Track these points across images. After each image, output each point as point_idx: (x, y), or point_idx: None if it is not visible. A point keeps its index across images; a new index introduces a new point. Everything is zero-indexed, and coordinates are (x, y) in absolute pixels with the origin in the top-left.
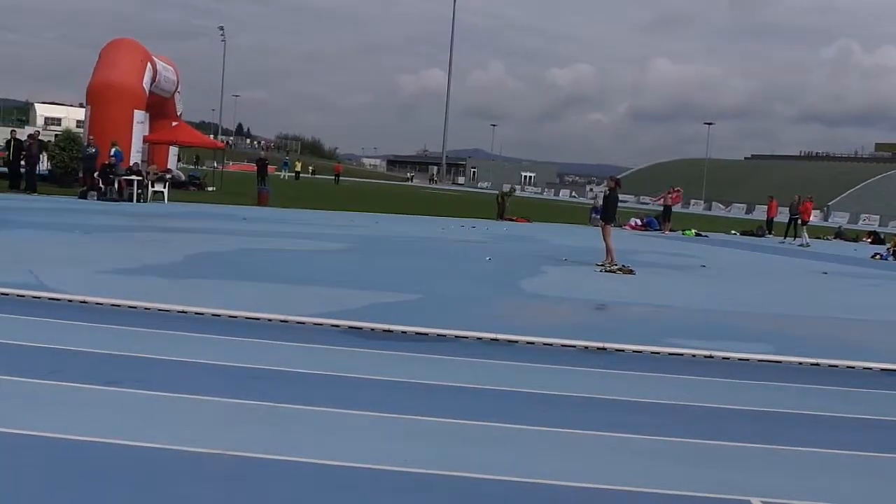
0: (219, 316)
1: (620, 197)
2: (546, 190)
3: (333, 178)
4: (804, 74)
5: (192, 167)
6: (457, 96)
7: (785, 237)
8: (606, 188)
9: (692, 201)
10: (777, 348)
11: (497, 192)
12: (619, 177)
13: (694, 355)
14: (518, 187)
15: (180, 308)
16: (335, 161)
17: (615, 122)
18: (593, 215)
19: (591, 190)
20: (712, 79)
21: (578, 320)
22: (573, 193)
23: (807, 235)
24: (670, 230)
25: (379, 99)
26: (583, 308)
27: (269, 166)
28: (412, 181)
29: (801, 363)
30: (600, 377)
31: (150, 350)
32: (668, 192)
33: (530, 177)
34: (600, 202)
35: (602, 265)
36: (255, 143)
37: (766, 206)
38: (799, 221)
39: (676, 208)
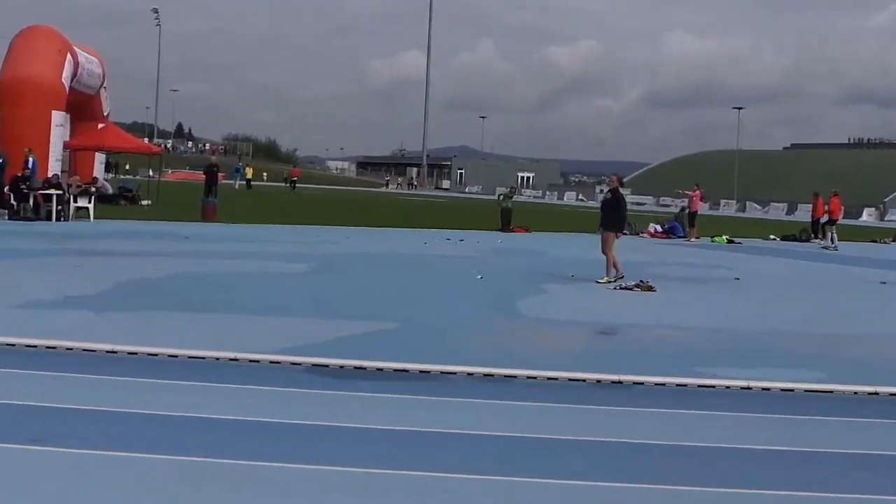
0: (156, 356)
1: (637, 199)
2: (548, 193)
3: (289, 184)
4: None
5: (122, 177)
6: (438, 84)
7: (814, 237)
8: (607, 189)
9: (722, 202)
10: (828, 375)
11: (498, 196)
12: (624, 177)
13: (728, 387)
14: (514, 190)
15: (109, 347)
16: (293, 165)
17: (628, 110)
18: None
19: (602, 191)
20: (742, 54)
21: (589, 348)
22: (580, 196)
23: (835, 236)
24: (697, 237)
25: (346, 89)
26: (594, 333)
27: (219, 174)
28: (388, 187)
29: (856, 392)
30: (616, 416)
31: (74, 399)
32: (692, 192)
33: (528, 178)
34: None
35: (610, 280)
36: (199, 146)
37: (810, 205)
38: (825, 220)
39: (701, 210)
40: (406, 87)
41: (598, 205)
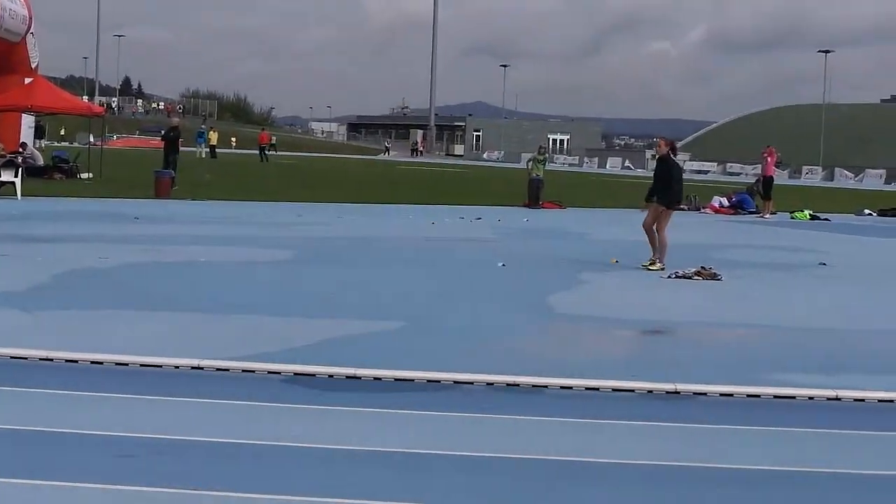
0: (100, 364)
1: (698, 166)
2: (586, 160)
3: (258, 151)
4: None
5: (56, 145)
6: (449, 26)
7: None
8: (655, 155)
9: (805, 168)
10: None
11: (527, 163)
12: (678, 141)
13: (811, 397)
14: (545, 151)
15: (44, 354)
16: (266, 128)
17: (687, 55)
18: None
19: (654, 157)
20: None
21: (637, 352)
22: (627, 163)
23: None
24: (773, 211)
25: (333, 34)
26: (643, 333)
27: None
28: (388, 154)
29: None
30: (674, 435)
31: (2, 417)
32: (763, 155)
33: (562, 141)
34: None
35: (663, 265)
36: (152, 105)
37: None
38: None
39: (777, 179)
40: (409, 29)
41: (650, 173)
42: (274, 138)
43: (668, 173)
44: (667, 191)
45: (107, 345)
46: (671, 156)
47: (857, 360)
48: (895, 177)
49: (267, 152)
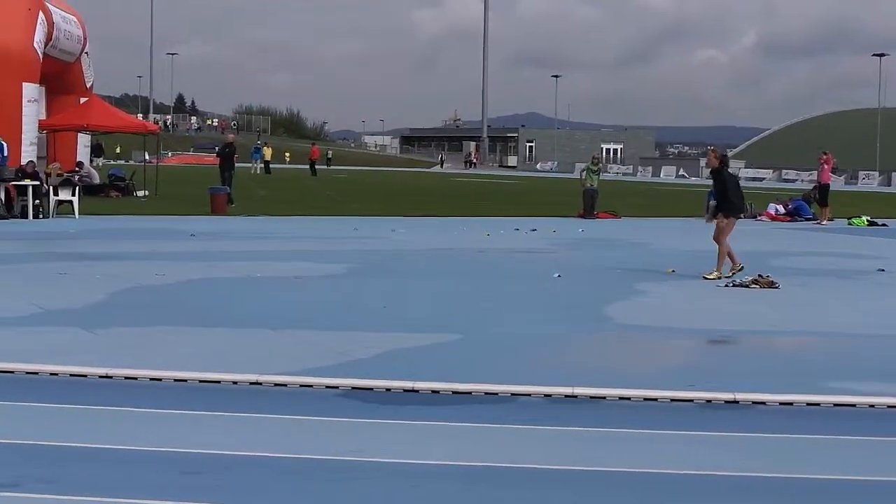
0: (160, 380)
1: (752, 173)
2: (640, 169)
3: (308, 166)
4: None
5: (112, 163)
6: (499, 37)
7: None
8: (707, 167)
9: (861, 174)
10: None
11: (581, 173)
12: (729, 150)
13: (873, 405)
14: (598, 161)
15: (103, 371)
16: (320, 142)
17: (738, 62)
18: (710, 202)
19: (707, 168)
20: None
21: (695, 361)
22: (681, 172)
23: None
24: (829, 219)
25: (384, 47)
26: (702, 342)
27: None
28: (443, 167)
29: None
30: (734, 445)
31: (59, 435)
32: (820, 161)
33: (615, 150)
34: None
35: (721, 275)
36: (205, 121)
37: None
38: None
39: (834, 185)
40: (459, 42)
41: (705, 181)
42: (330, 153)
43: (723, 185)
44: (724, 201)
45: (165, 361)
46: (724, 167)
47: None
48: None
49: (317, 166)
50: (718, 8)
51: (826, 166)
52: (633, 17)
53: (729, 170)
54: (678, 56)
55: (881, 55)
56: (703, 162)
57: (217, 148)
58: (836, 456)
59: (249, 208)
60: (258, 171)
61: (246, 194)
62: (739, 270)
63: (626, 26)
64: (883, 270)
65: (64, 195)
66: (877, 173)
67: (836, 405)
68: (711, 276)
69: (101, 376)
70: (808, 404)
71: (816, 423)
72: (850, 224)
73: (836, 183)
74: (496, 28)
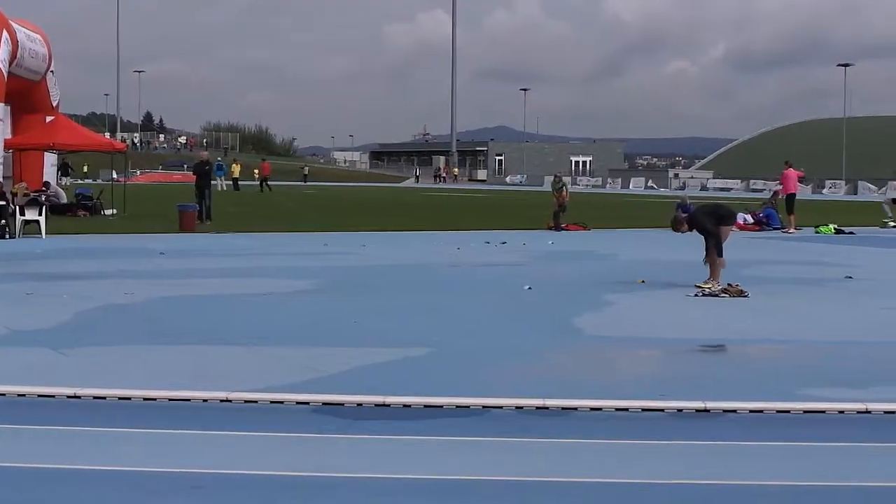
0: (129, 399)
1: (721, 183)
2: (610, 181)
3: (260, 184)
4: None
5: (80, 182)
6: (468, 51)
7: None
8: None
9: (828, 182)
10: None
11: (552, 184)
12: (687, 201)
13: (842, 411)
14: (567, 179)
15: (72, 391)
16: (289, 158)
17: (707, 73)
18: (679, 214)
19: (677, 176)
20: None
21: (666, 371)
22: (650, 183)
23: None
24: (796, 227)
25: (353, 63)
26: (672, 352)
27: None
28: (418, 181)
29: None
30: (705, 453)
31: (26, 456)
32: (788, 171)
33: (585, 162)
34: (689, 195)
35: (703, 284)
36: (174, 139)
37: None
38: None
39: (800, 194)
40: (429, 56)
41: (675, 192)
42: (307, 168)
43: (702, 224)
44: (710, 218)
45: (134, 380)
46: (694, 213)
47: (886, 373)
48: None
49: (268, 183)
50: (687, 20)
51: (790, 176)
52: (602, 30)
53: (691, 207)
54: (647, 69)
55: (846, 65)
56: (671, 173)
57: (186, 166)
58: (807, 462)
59: (218, 225)
60: (223, 189)
61: (215, 211)
62: (711, 285)
63: (596, 40)
64: (850, 278)
65: (30, 215)
66: (843, 182)
67: (806, 412)
68: (706, 286)
69: (69, 396)
70: (779, 412)
71: (787, 431)
72: (817, 232)
73: (803, 192)
74: (465, 43)
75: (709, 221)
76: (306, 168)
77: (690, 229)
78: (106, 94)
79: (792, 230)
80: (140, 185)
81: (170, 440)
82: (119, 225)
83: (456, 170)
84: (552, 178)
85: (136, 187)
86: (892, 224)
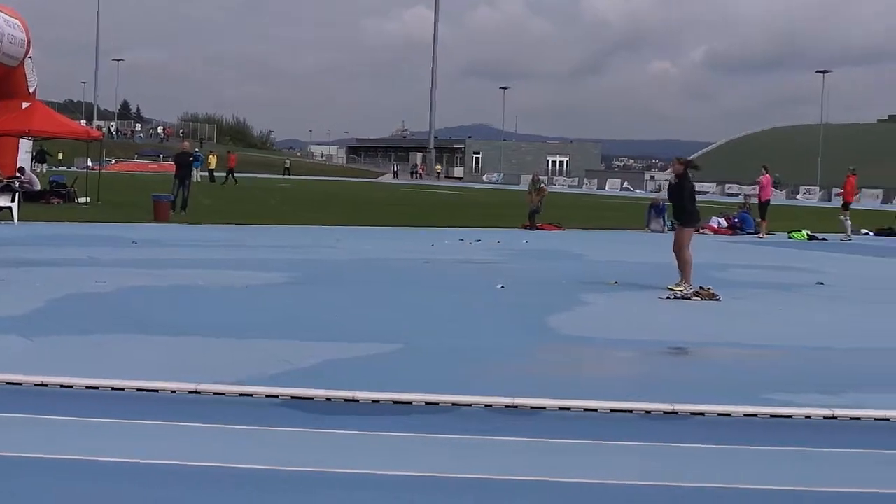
0: (97, 389)
1: (698, 187)
2: (586, 181)
3: (225, 174)
4: None
5: (54, 170)
6: (449, 48)
7: None
8: (672, 175)
9: (803, 188)
10: None
11: (530, 184)
12: (692, 157)
13: (809, 416)
14: (544, 178)
15: (40, 379)
16: (266, 151)
17: (687, 75)
18: (651, 216)
19: (653, 178)
20: (833, 4)
21: (636, 372)
22: (626, 185)
23: (848, 224)
24: (768, 232)
25: (332, 57)
26: (641, 354)
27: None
28: (396, 176)
29: None
30: (672, 454)
31: None
32: (763, 177)
33: (562, 162)
34: (663, 196)
35: (675, 288)
36: (150, 129)
37: None
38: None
39: (776, 199)
40: (408, 52)
41: (650, 194)
42: (288, 162)
43: (681, 194)
44: (682, 212)
45: (103, 370)
46: (687, 175)
47: (853, 379)
48: (892, 196)
49: (234, 175)
50: (668, 21)
51: (766, 183)
52: (584, 30)
53: (664, 206)
54: (627, 70)
55: (824, 72)
56: (647, 175)
57: (162, 155)
58: (772, 467)
59: (193, 216)
60: (199, 179)
61: (190, 203)
62: (683, 285)
63: (577, 39)
64: (822, 284)
65: (3, 202)
66: (818, 188)
67: (773, 416)
68: (679, 288)
69: (36, 384)
70: (746, 415)
71: (754, 434)
72: (790, 238)
73: (777, 197)
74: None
75: (688, 196)
76: (288, 161)
77: (678, 179)
78: (83, 82)
79: (764, 235)
80: (115, 173)
81: (138, 431)
82: (92, 213)
83: (438, 167)
84: (530, 177)
85: (110, 176)
86: (843, 238)
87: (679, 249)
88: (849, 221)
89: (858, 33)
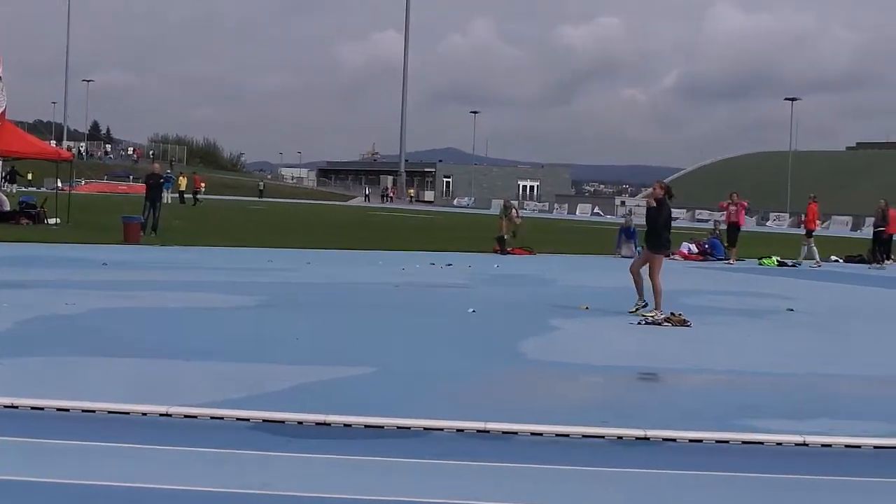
0: (67, 411)
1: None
2: (556, 206)
3: (192, 196)
4: None
5: (24, 190)
6: (420, 73)
7: (874, 260)
8: (649, 199)
9: (773, 215)
10: None
11: (500, 209)
12: (666, 181)
13: (780, 443)
14: (515, 203)
15: (9, 401)
16: (236, 174)
17: (657, 102)
18: (622, 240)
19: (623, 204)
20: (801, 33)
21: (607, 398)
22: (596, 209)
23: (815, 251)
24: (737, 258)
25: (303, 80)
26: (613, 379)
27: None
28: (368, 200)
29: None
30: (643, 481)
31: None
32: (731, 203)
33: (532, 187)
34: (632, 221)
35: (646, 314)
36: (120, 150)
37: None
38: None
39: (746, 226)
40: (379, 75)
41: (619, 219)
42: (262, 184)
43: (656, 219)
44: (654, 237)
45: (73, 392)
46: (666, 200)
47: (824, 405)
48: (862, 223)
49: (198, 196)
50: (638, 50)
51: (734, 208)
52: (555, 56)
53: (635, 231)
54: (598, 95)
55: (793, 99)
56: (618, 201)
57: (132, 177)
58: (743, 494)
59: (163, 238)
60: (169, 201)
61: (160, 224)
62: (643, 307)
63: (548, 66)
64: (792, 310)
65: None
66: (787, 215)
67: (744, 443)
68: (649, 313)
69: (6, 406)
70: (718, 441)
71: (725, 461)
72: (760, 264)
73: (747, 224)
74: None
75: (659, 222)
76: (262, 183)
77: (658, 204)
78: (53, 102)
79: (733, 261)
80: (85, 194)
81: (108, 453)
82: (62, 234)
83: (412, 190)
84: (501, 203)
85: (80, 197)
86: (813, 264)
87: (651, 276)
88: (815, 248)
89: (828, 62)
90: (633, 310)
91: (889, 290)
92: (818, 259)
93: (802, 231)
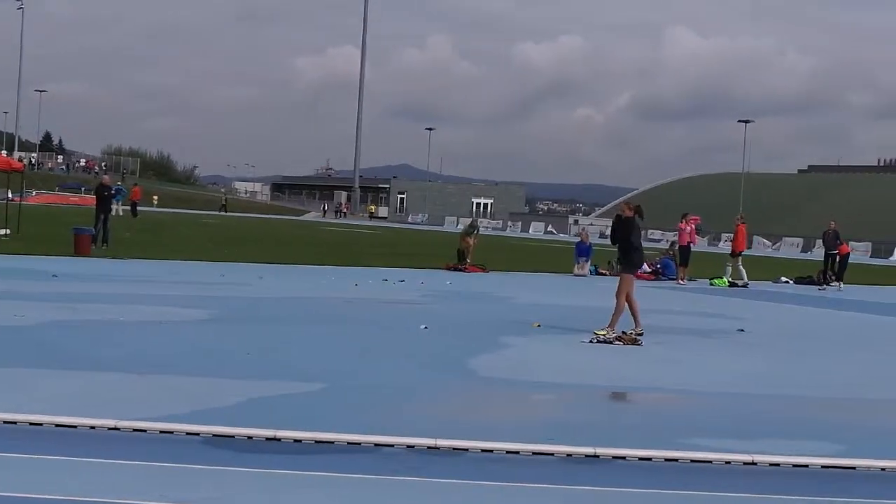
0: (14, 424)
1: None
2: (510, 224)
3: (129, 207)
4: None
5: None
6: (377, 88)
7: (824, 282)
8: (619, 217)
9: (724, 236)
10: (850, 448)
11: (466, 227)
12: (618, 202)
13: (728, 462)
14: (474, 227)
15: None
16: (189, 186)
17: (612, 122)
18: (579, 260)
19: (577, 222)
20: (756, 55)
21: (558, 416)
22: (550, 228)
23: (742, 271)
24: (688, 278)
25: (258, 93)
26: (564, 397)
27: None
28: (325, 215)
29: (884, 468)
30: (592, 499)
31: None
32: (685, 223)
33: (486, 204)
34: (587, 238)
35: (598, 331)
36: (72, 161)
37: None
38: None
39: (698, 246)
40: (335, 91)
41: (573, 238)
42: (225, 198)
43: (627, 238)
44: (626, 256)
45: (21, 405)
46: (636, 220)
47: (773, 425)
48: (812, 245)
49: (136, 207)
50: (595, 69)
51: (689, 228)
52: (511, 75)
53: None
54: (553, 114)
55: (746, 122)
56: (571, 220)
57: (84, 188)
58: None
59: (115, 250)
60: (120, 213)
61: (111, 236)
62: (639, 335)
63: (504, 84)
64: (742, 330)
65: None
66: None
67: (693, 461)
68: (601, 332)
69: None
70: (667, 460)
71: (674, 479)
72: (711, 284)
73: (699, 244)
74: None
75: (633, 242)
76: (225, 198)
77: (627, 221)
78: (5, 112)
79: (683, 281)
80: (35, 205)
81: (55, 467)
82: (11, 245)
83: (373, 206)
84: (469, 221)
85: (31, 208)
86: (741, 283)
87: (618, 294)
88: (742, 268)
89: (781, 85)
90: (631, 333)
91: (838, 312)
92: (746, 279)
93: (758, 252)
